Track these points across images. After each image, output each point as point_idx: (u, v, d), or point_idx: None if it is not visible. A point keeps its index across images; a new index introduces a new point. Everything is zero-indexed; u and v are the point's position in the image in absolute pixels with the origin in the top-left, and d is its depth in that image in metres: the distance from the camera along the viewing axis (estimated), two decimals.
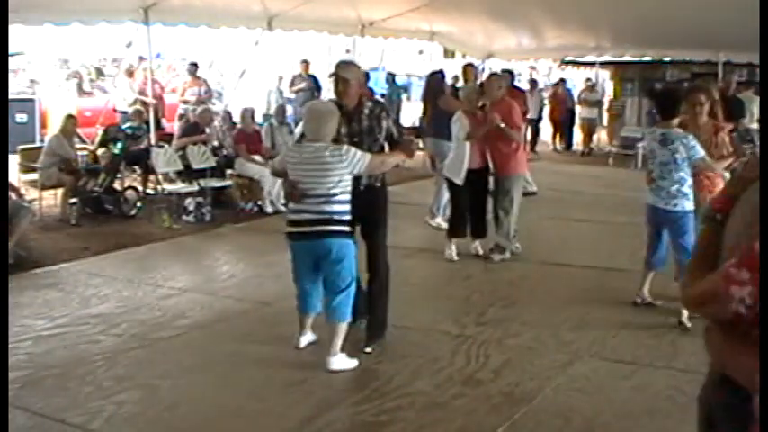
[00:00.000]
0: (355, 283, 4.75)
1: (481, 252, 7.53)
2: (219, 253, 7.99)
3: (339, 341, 4.67)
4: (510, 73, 10.87)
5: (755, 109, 11.06)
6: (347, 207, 4.57)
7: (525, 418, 4.15)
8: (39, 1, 8.89)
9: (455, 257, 7.38)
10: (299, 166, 4.58)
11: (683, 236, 5.48)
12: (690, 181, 5.44)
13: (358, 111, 4.84)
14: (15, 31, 9.66)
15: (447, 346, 5.17)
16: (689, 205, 5.46)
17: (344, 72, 4.82)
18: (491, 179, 7.54)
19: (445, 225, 8.11)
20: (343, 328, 4.67)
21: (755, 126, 10.97)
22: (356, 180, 4.69)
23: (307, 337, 5.00)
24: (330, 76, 5.06)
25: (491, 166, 7.46)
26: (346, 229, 4.59)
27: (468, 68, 10.04)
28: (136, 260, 7.46)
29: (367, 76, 14.35)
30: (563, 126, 17.73)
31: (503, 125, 7.16)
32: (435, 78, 9.39)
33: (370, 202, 4.86)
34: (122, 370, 4.72)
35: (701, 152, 5.37)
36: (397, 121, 5.18)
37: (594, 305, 6.08)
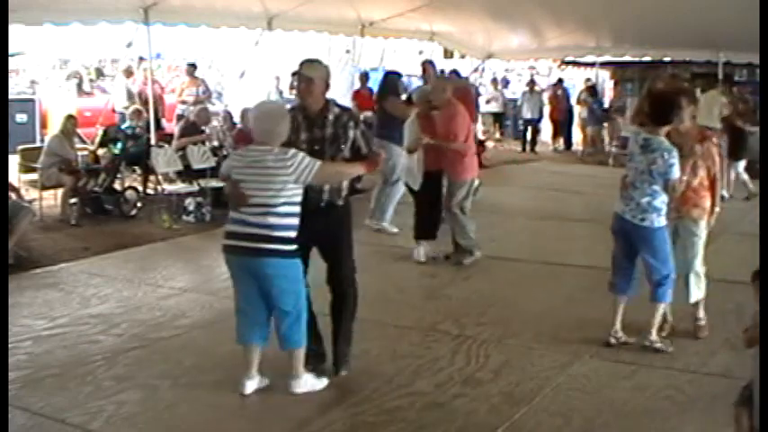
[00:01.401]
0: (305, 306, 4.31)
1: (422, 258, 7.29)
2: (219, 253, 7.91)
3: (299, 364, 4.33)
4: (455, 72, 10.08)
5: (716, 110, 11.03)
6: (291, 221, 4.12)
7: (525, 418, 4.15)
8: (38, 1, 8.90)
9: (423, 259, 7.28)
10: (243, 170, 4.18)
11: (654, 255, 4.98)
12: (664, 196, 4.88)
13: (322, 115, 4.38)
14: (15, 31, 9.66)
15: (447, 346, 5.17)
16: (659, 221, 4.93)
17: (308, 70, 4.39)
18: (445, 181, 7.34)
19: (393, 229, 8.20)
20: (299, 352, 4.31)
21: (719, 126, 10.96)
22: (318, 196, 4.37)
23: (253, 382, 4.34)
24: (293, 74, 4.76)
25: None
26: (288, 247, 4.12)
27: (426, 65, 9.63)
28: (136, 260, 7.46)
29: (366, 75, 14.53)
30: (562, 126, 17.73)
31: (432, 142, 7.02)
32: (391, 79, 8.84)
33: (329, 221, 4.44)
34: (122, 370, 4.72)
35: (676, 174, 4.82)
36: (365, 133, 4.53)
37: (594, 305, 6.06)
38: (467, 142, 7.19)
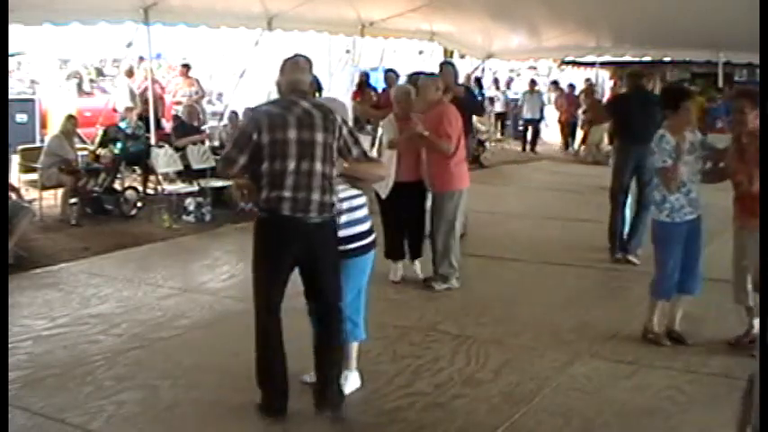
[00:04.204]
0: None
1: (421, 276, 6.69)
2: (219, 253, 7.98)
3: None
4: (451, 66, 8.50)
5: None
6: None
7: (525, 418, 4.15)
8: (38, 1, 8.90)
9: (397, 279, 6.66)
10: None
11: (654, 247, 5.20)
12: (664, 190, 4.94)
13: None
14: (15, 31, 9.65)
15: (447, 346, 5.17)
16: (658, 215, 5.06)
17: None
18: (429, 195, 6.65)
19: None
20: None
21: None
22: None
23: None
24: None
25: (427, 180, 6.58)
26: None
27: (389, 76, 8.38)
28: (136, 260, 7.46)
29: (366, 76, 14.51)
30: (571, 128, 17.65)
31: (426, 133, 6.25)
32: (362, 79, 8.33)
33: None
34: (122, 370, 4.73)
35: (658, 162, 4.92)
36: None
37: (594, 305, 6.08)
38: (458, 147, 6.44)
